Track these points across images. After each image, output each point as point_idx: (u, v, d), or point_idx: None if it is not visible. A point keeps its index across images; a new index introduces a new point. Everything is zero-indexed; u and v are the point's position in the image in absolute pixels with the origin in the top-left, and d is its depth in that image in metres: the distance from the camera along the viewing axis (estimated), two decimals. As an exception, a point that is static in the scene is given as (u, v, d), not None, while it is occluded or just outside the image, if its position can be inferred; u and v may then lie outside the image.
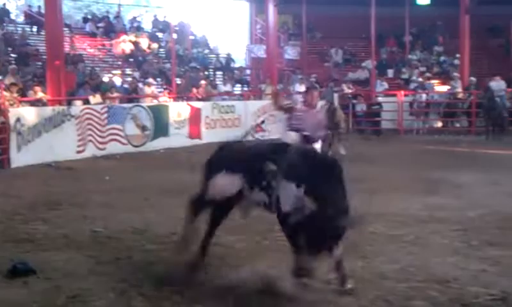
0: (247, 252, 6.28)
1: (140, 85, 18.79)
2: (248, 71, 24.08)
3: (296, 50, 25.21)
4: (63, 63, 15.99)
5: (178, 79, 20.25)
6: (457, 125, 20.01)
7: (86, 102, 15.72)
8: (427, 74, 22.35)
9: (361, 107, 20.50)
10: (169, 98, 18.41)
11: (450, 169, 11.59)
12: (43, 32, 18.86)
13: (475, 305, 4.94)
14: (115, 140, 15.16)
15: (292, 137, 5.41)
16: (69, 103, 15.36)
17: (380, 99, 20.84)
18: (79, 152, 14.20)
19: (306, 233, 4.75)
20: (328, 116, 9.32)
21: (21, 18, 23.42)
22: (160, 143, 16.09)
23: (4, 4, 22.60)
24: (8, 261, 5.87)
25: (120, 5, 25.69)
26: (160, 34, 24.23)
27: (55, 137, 13.67)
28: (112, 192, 9.93)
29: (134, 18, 25.09)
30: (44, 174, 12.03)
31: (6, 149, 12.71)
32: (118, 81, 19.33)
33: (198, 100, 18.44)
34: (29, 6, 24.06)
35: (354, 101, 20.63)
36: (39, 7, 21.82)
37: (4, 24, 21.11)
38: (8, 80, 15.38)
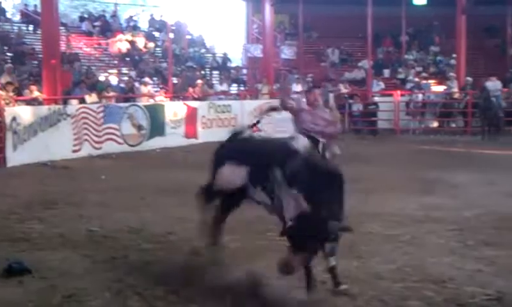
0: (244, 252, 6.25)
1: (136, 84, 18.78)
2: (245, 71, 24.05)
3: (293, 49, 25.21)
4: (59, 62, 15.95)
5: (174, 79, 20.21)
6: (453, 125, 20.03)
7: (82, 101, 15.72)
8: (424, 74, 22.35)
9: (357, 107, 20.49)
10: (166, 97, 18.41)
11: (446, 169, 11.60)
12: (39, 31, 18.84)
13: (471, 305, 4.94)
14: (111, 139, 15.14)
15: (304, 143, 5.34)
16: (65, 103, 15.35)
17: (376, 99, 20.83)
18: (74, 151, 14.18)
19: (297, 233, 4.72)
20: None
21: (17, 17, 23.41)
22: (157, 143, 16.07)
23: (0, 3, 22.50)
24: (3, 261, 5.85)
25: (116, 4, 25.72)
26: (156, 34, 24.21)
27: (51, 136, 13.64)
28: (108, 191, 9.92)
29: (131, 17, 25.08)
30: (40, 173, 12.00)
31: (2, 149, 12.67)
32: (114, 80, 19.33)
33: (195, 99, 18.44)
34: (25, 4, 23.97)
35: (351, 101, 20.62)
36: (35, 6, 21.77)
37: (0, 23, 21.08)
38: (4, 79, 15.32)
